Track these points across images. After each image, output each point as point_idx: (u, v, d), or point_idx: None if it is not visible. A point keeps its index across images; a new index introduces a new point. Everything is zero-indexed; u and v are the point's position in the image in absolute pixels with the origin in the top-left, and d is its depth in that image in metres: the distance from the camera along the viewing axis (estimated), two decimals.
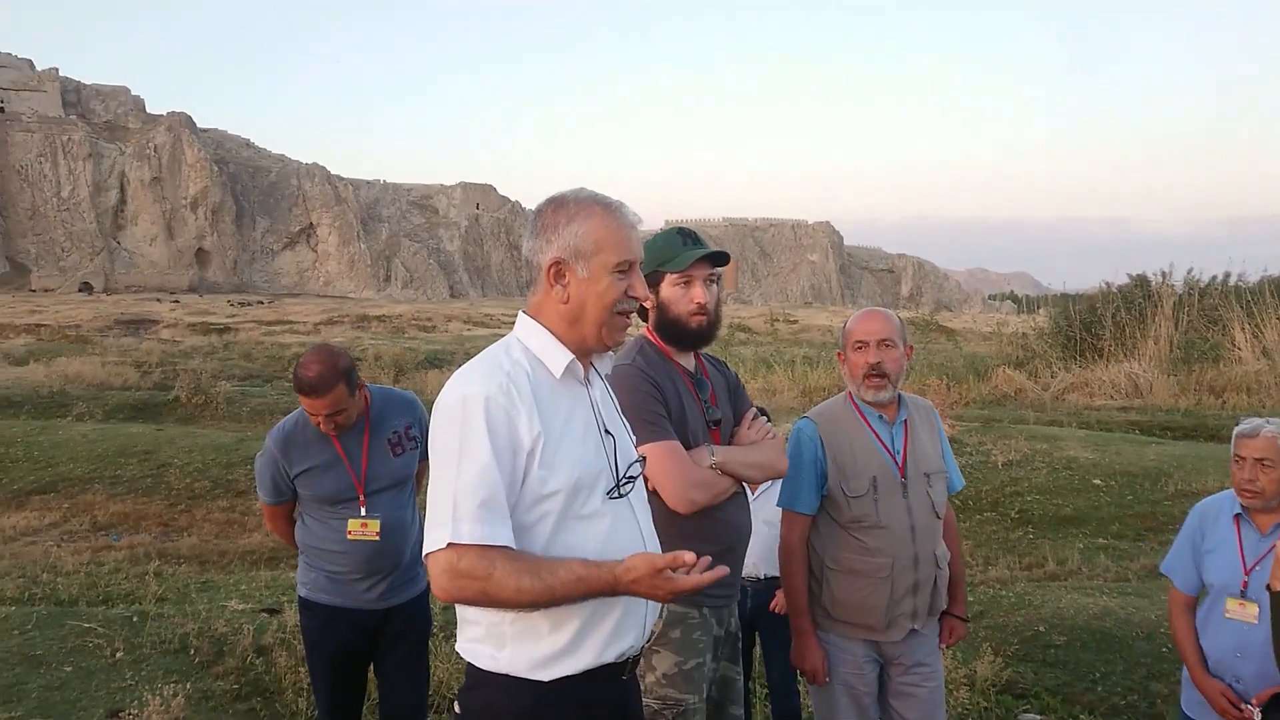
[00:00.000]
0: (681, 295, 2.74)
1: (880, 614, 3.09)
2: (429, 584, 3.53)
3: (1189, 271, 17.79)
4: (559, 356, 1.99)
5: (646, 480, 2.45)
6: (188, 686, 4.66)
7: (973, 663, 4.89)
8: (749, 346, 26.44)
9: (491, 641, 1.93)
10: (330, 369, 3.18)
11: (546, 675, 1.91)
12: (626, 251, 2.00)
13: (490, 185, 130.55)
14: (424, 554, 1.86)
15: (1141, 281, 17.40)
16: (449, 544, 1.81)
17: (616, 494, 1.98)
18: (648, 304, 2.76)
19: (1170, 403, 13.54)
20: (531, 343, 2.01)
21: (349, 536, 3.30)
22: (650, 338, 2.80)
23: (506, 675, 1.92)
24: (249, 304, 68.34)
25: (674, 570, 1.83)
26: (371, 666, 3.52)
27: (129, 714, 4.40)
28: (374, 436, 3.35)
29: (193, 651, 5.13)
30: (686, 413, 2.69)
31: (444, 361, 21.23)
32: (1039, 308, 25.14)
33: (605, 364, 2.16)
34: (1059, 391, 14.84)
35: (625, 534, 1.98)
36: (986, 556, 7.73)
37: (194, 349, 26.38)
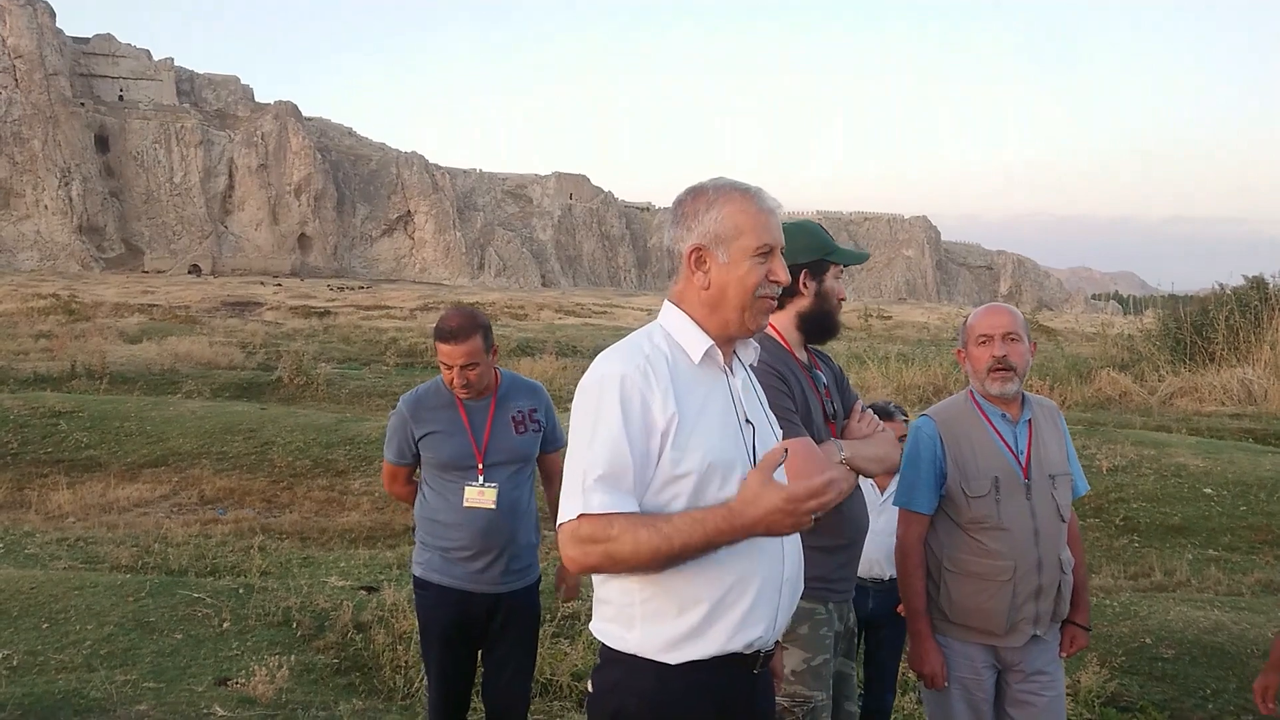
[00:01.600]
0: (836, 287, 2.81)
1: (1001, 619, 3.01)
2: (540, 577, 3.59)
3: None
4: (698, 342, 2.00)
5: None
6: (291, 659, 4.79)
7: (1077, 673, 4.74)
8: (841, 342, 26.05)
9: (621, 621, 1.96)
10: (470, 320, 3.37)
11: (673, 658, 1.92)
12: (766, 235, 2.00)
13: (583, 175, 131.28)
14: (556, 525, 1.90)
15: (1258, 283, 16.63)
16: (579, 515, 1.85)
17: None
18: (805, 291, 2.76)
19: None
20: (673, 329, 2.03)
21: (465, 504, 3.36)
22: (772, 330, 2.75)
23: (634, 656, 1.94)
24: (348, 289, 70.07)
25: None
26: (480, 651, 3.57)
27: (236, 683, 4.55)
28: (499, 411, 3.44)
29: (295, 625, 5.28)
30: (810, 407, 2.66)
31: (535, 349, 21.45)
32: (1146, 308, 24.26)
33: (749, 353, 2.15)
34: (1166, 396, 14.29)
35: None
36: (1089, 564, 7.49)
37: (295, 331, 27.14)
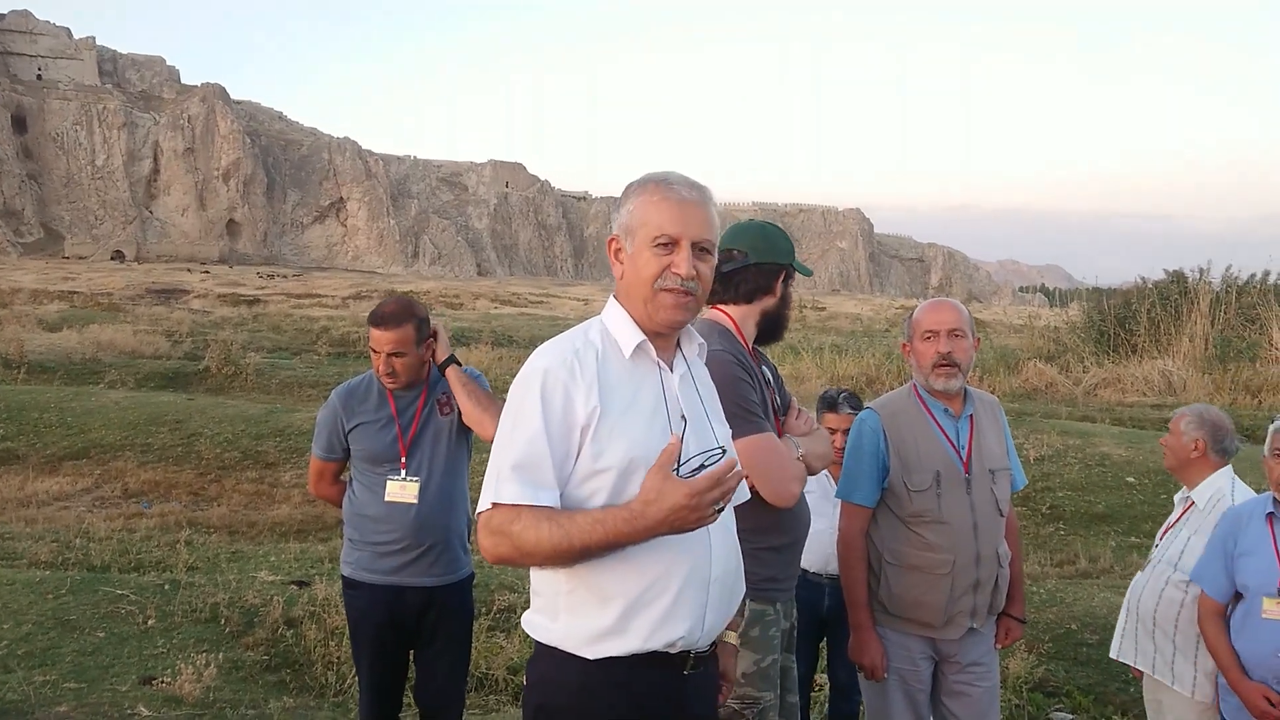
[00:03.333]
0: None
1: (939, 611, 3.04)
2: (473, 573, 3.53)
3: (1227, 269, 17.55)
4: (630, 336, 2.00)
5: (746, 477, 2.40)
6: (219, 656, 4.69)
7: (1005, 659, 4.84)
8: None
9: (548, 613, 1.97)
10: (407, 309, 3.34)
11: (593, 653, 1.92)
12: (667, 226, 1.96)
13: (520, 164, 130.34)
14: (475, 514, 1.93)
15: (1178, 277, 17.17)
16: (492, 504, 1.87)
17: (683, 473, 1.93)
18: (776, 293, 2.78)
19: (1205, 401, 13.34)
20: (609, 322, 2.03)
21: (387, 498, 3.31)
22: (731, 325, 2.73)
23: (558, 648, 1.95)
24: (278, 276, 68.75)
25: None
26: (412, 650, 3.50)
27: (161, 681, 4.44)
28: (428, 400, 3.40)
29: (223, 621, 5.16)
30: (765, 402, 2.66)
31: (471, 339, 21.27)
32: (1071, 301, 24.86)
33: (693, 347, 2.12)
34: (1091, 387, 14.68)
35: None
36: None
37: (224, 320, 26.58)
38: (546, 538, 1.82)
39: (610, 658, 1.91)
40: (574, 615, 1.93)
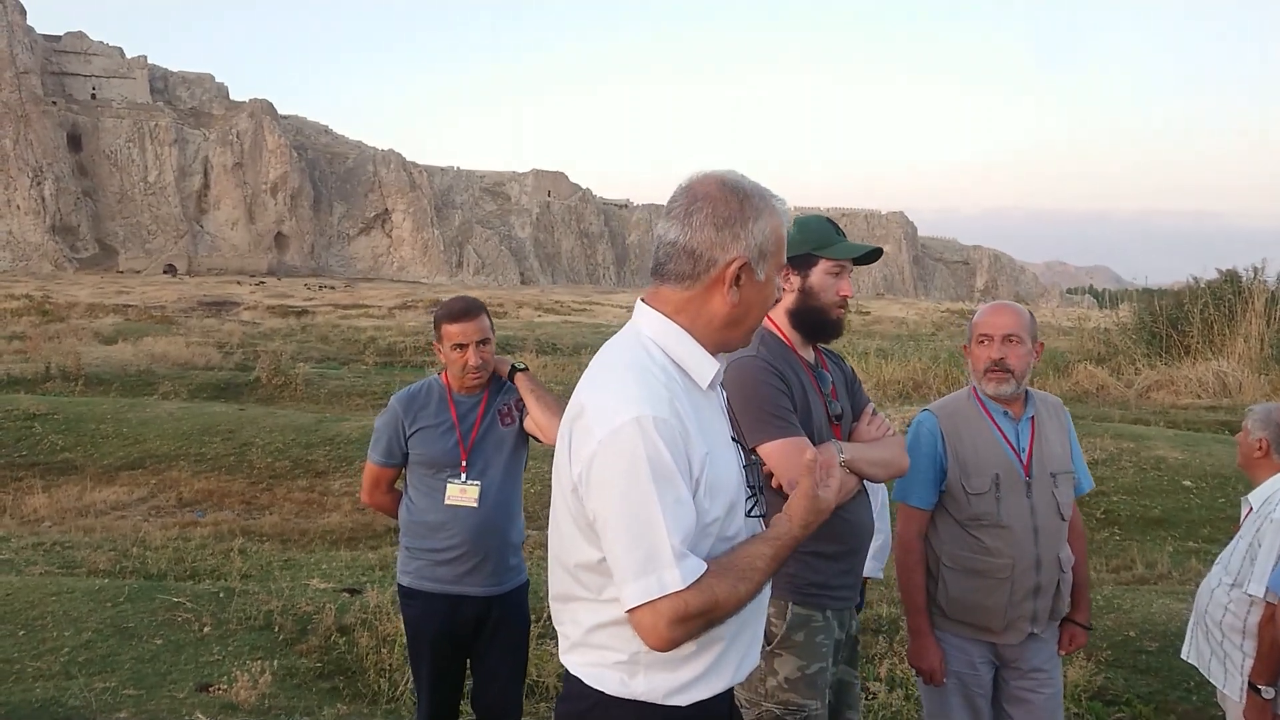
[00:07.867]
0: (831, 284, 2.70)
1: (998, 616, 3.01)
2: (528, 580, 3.53)
3: None
4: (707, 366, 1.80)
5: (773, 480, 2.38)
6: (273, 663, 4.74)
7: (1063, 667, 4.75)
8: None
9: (624, 669, 1.77)
10: (475, 301, 3.45)
11: (684, 700, 1.77)
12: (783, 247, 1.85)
13: (561, 173, 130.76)
14: (630, 607, 1.65)
15: (1232, 277, 16.82)
16: (686, 587, 1.63)
17: (756, 513, 1.84)
18: (787, 288, 2.70)
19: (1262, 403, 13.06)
20: (672, 348, 1.79)
21: (446, 501, 3.32)
22: (774, 327, 2.71)
23: (636, 701, 1.77)
24: (325, 288, 69.62)
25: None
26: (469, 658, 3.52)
27: (218, 688, 4.50)
28: (489, 408, 3.43)
29: (277, 629, 5.22)
30: (811, 407, 2.61)
31: (515, 347, 21.39)
32: (1121, 302, 24.45)
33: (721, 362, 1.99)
34: (1143, 389, 14.41)
35: None
36: None
37: (273, 331, 26.94)
38: (745, 596, 1.68)
39: (699, 702, 1.78)
40: (660, 669, 1.76)
